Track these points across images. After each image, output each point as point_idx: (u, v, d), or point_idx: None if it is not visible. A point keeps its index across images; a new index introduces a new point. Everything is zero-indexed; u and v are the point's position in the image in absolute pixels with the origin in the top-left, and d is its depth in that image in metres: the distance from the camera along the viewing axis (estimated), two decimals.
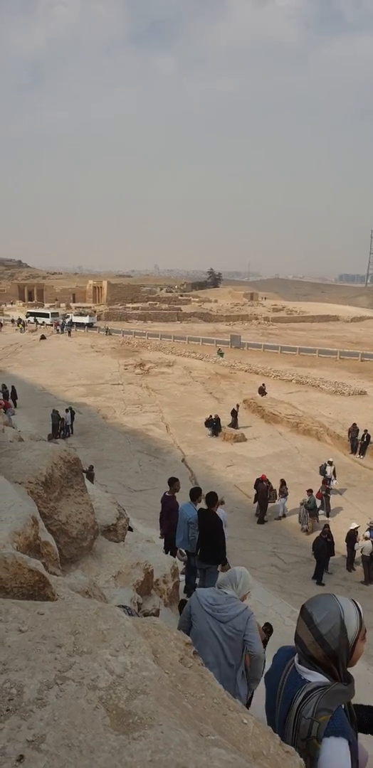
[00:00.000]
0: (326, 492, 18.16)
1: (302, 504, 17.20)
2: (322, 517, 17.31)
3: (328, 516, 17.56)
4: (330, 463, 19.80)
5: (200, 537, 7.50)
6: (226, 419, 27.19)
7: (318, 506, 17.47)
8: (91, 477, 14.62)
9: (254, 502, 17.88)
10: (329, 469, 19.60)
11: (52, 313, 72.06)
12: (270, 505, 17.80)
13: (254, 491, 17.98)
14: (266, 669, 2.27)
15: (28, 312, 74.54)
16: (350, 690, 1.83)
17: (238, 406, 28.19)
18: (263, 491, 17.52)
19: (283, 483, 18.15)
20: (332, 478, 19.52)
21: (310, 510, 16.87)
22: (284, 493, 17.88)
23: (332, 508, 18.25)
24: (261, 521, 17.38)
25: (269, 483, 17.94)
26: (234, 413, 27.07)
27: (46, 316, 71.09)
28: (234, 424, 26.62)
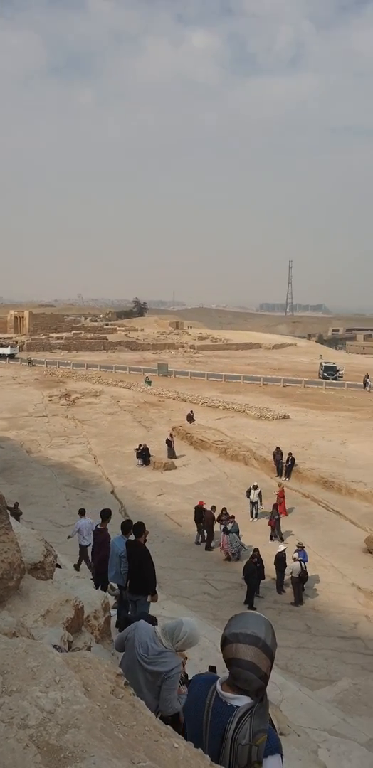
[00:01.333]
0: (277, 517, 18.33)
1: (229, 531, 17.01)
2: (275, 541, 17.45)
3: (282, 540, 17.53)
4: (255, 488, 20.27)
5: (129, 568, 7.43)
6: (155, 448, 27.16)
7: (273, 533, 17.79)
8: (17, 515, 13.94)
9: (201, 530, 17.69)
10: (253, 494, 20.05)
11: None
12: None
13: (195, 521, 17.85)
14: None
15: None
16: (268, 703, 1.89)
17: (172, 435, 28.22)
18: (209, 519, 17.52)
19: (224, 511, 18.25)
20: (258, 502, 19.98)
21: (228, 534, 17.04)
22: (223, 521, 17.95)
23: (259, 532, 18.62)
24: (209, 548, 17.35)
25: (205, 509, 17.95)
26: (169, 443, 27.06)
27: None
28: (172, 454, 26.54)
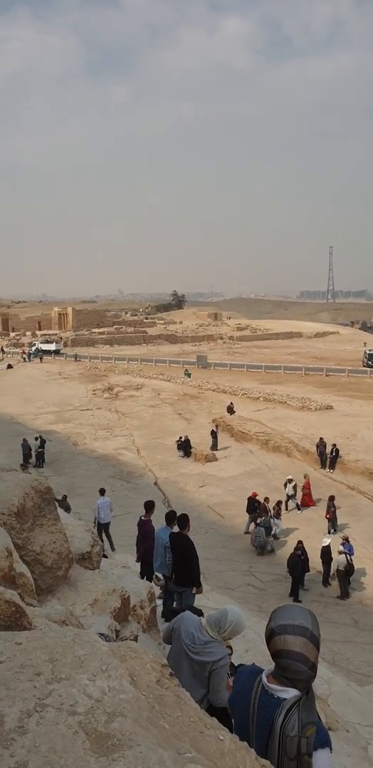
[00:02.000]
0: (334, 509, 17.94)
1: (259, 526, 16.90)
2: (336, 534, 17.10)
3: (334, 531, 17.08)
4: (290, 481, 20.04)
5: (173, 560, 7.50)
6: (196, 439, 27.25)
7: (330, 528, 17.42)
8: (66, 507, 14.46)
9: (253, 520, 17.48)
10: (289, 487, 19.82)
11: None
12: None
13: (248, 512, 17.68)
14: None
15: None
16: (314, 696, 1.89)
17: (217, 426, 28.19)
18: (263, 511, 17.38)
19: (278, 504, 18.06)
20: (294, 494, 19.71)
21: (268, 529, 16.87)
22: (278, 514, 17.75)
23: (303, 524, 18.41)
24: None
25: (260, 502, 17.86)
26: (214, 434, 27.05)
27: None
28: (215, 446, 26.55)
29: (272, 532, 17.22)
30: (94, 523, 15.17)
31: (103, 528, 15.10)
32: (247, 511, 17.74)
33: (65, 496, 16.94)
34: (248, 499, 18.03)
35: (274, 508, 17.78)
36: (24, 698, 1.26)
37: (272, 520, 17.28)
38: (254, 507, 17.63)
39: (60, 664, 1.41)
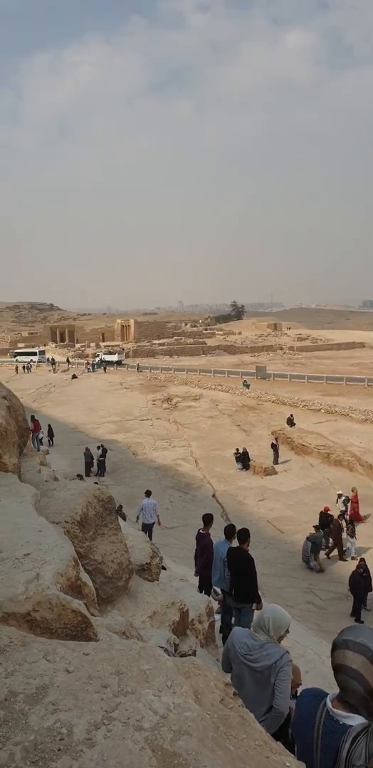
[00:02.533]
0: None
1: (308, 539, 16.38)
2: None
3: None
4: (339, 496, 19.35)
5: (231, 576, 7.41)
6: (254, 452, 26.96)
7: None
8: (122, 517, 14.71)
9: (327, 537, 17.00)
10: (339, 502, 19.13)
11: (39, 352, 76.64)
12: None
13: (320, 527, 17.01)
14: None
15: (14, 352, 78.16)
16: None
17: (277, 439, 27.81)
18: (337, 527, 16.90)
19: (351, 521, 17.45)
20: (346, 510, 18.97)
21: (316, 546, 16.28)
22: (353, 532, 17.04)
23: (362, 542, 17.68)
24: (342, 558, 16.64)
25: (333, 517, 17.37)
26: (274, 447, 26.68)
27: (34, 354, 74.70)
28: (275, 459, 26.18)
29: (345, 550, 16.71)
30: (136, 521, 15.55)
31: (146, 529, 15.10)
32: (320, 527, 17.10)
33: (121, 506, 17.21)
34: (320, 513, 17.56)
35: (348, 527, 17.18)
36: (92, 710, 1.28)
37: (347, 539, 16.77)
38: (328, 522, 17.12)
39: (126, 677, 1.42)
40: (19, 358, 73.07)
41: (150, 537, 15.49)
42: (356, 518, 18.68)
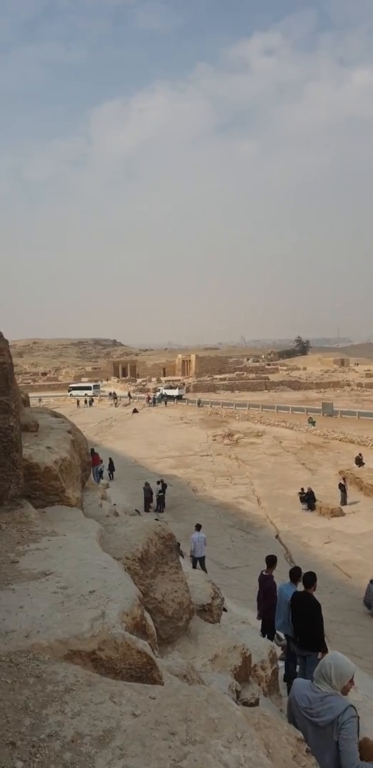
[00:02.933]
0: None
1: (372, 582, 15.45)
2: None
3: None
4: None
5: (297, 621, 7.09)
6: (321, 492, 26.08)
7: None
8: (180, 554, 14.81)
9: None
10: None
11: (93, 386, 78.70)
12: None
13: None
14: None
15: (70, 387, 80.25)
16: None
17: (345, 479, 26.76)
18: None
19: None
20: None
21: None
22: None
23: None
24: None
25: None
26: (342, 488, 25.67)
27: (88, 389, 76.71)
28: (344, 500, 25.15)
29: None
30: (190, 557, 15.90)
31: (198, 561, 15.77)
32: None
33: (179, 544, 17.11)
34: None
35: None
36: (159, 758, 1.24)
37: None
38: None
39: (194, 725, 1.37)
40: (73, 392, 75.40)
41: (203, 568, 15.69)
42: None
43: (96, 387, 79.12)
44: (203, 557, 16.19)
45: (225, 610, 7.73)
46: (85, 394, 73.33)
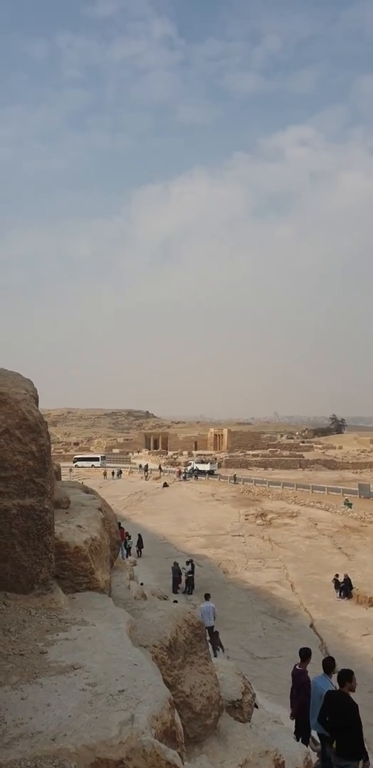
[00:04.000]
0: None
1: None
2: None
3: None
4: None
5: (333, 725, 6.55)
6: (358, 579, 24.84)
7: None
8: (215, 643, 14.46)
9: None
10: None
11: (101, 457, 77.72)
12: None
13: None
14: None
15: (74, 458, 78.15)
16: None
17: None
18: None
19: None
20: None
21: None
22: None
23: None
24: None
25: None
26: None
27: (96, 459, 75.52)
28: None
29: None
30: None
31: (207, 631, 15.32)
32: None
33: (217, 632, 16.55)
34: None
35: None
36: None
37: None
38: None
39: None
40: (79, 463, 73.69)
41: (212, 638, 15.48)
42: None
43: (103, 458, 77.81)
44: (212, 627, 15.79)
45: (256, 706, 7.27)
46: (92, 465, 71.80)
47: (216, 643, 15.87)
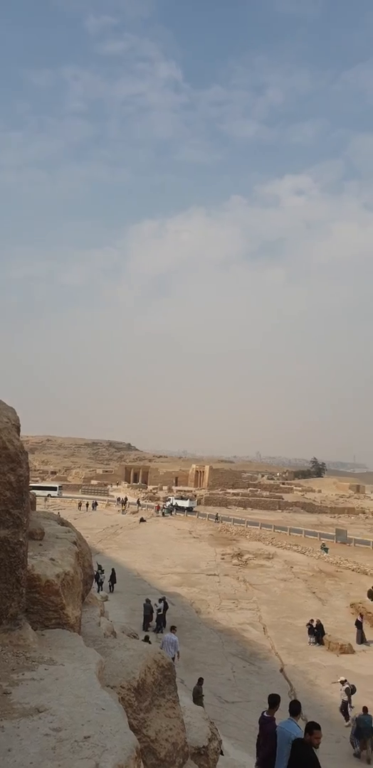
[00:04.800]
0: None
1: (355, 720, 14.57)
2: None
3: None
4: (342, 683, 16.77)
5: None
6: (330, 624, 24.67)
7: None
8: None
9: None
10: (342, 690, 16.44)
11: (59, 487, 77.05)
12: None
13: None
14: None
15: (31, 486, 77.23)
16: None
17: (362, 615, 25.02)
18: None
19: None
20: (349, 700, 16.20)
21: (363, 731, 14.18)
22: None
23: None
24: None
25: None
26: (359, 624, 24.00)
27: (53, 489, 74.63)
28: (361, 638, 23.46)
29: None
30: None
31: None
32: None
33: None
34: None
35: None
36: None
37: None
38: None
39: None
40: (38, 492, 71.87)
41: None
42: None
43: (60, 488, 76.93)
44: (173, 659, 15.60)
45: (222, 753, 7.13)
46: (48, 495, 70.16)
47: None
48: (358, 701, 17.99)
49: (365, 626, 25.43)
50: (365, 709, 14.81)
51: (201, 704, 15.22)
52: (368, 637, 24.18)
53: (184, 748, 4.58)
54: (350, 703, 16.29)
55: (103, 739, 2.07)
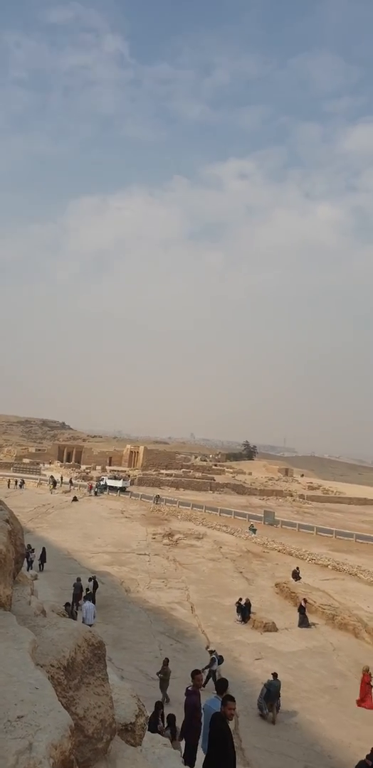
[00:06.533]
0: None
1: (265, 685, 15.84)
2: None
3: None
4: (210, 653, 18.01)
5: (211, 748, 6.66)
6: (255, 603, 25.67)
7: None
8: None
9: None
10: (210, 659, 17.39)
11: None
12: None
13: None
14: None
15: None
16: None
17: (305, 600, 25.31)
18: None
19: None
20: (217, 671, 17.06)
21: (272, 694, 15.52)
22: None
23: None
24: None
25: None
26: (302, 609, 24.47)
27: None
28: (304, 622, 24.08)
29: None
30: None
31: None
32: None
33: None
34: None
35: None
36: None
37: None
38: None
39: None
40: None
41: None
42: (366, 704, 16.99)
43: None
44: (91, 626, 15.82)
45: (150, 730, 7.30)
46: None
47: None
48: (279, 677, 18.98)
49: (286, 604, 26.70)
50: (274, 675, 16.31)
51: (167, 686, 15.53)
52: (289, 613, 25.34)
53: (112, 724, 4.62)
54: (217, 672, 16.95)
55: (36, 718, 2.08)
